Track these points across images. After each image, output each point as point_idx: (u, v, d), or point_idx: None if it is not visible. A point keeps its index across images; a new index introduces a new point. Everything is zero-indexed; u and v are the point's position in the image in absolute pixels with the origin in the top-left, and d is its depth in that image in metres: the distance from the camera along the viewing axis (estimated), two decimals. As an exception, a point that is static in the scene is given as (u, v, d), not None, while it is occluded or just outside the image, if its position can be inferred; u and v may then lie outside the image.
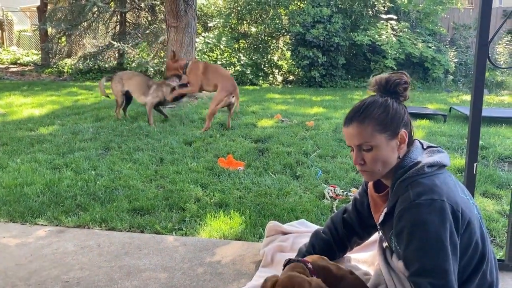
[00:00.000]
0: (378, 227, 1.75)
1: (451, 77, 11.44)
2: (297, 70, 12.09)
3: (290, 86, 11.95)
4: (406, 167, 1.59)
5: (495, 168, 4.41)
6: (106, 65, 13.37)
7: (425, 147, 1.71)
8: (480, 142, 5.09)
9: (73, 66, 13.13)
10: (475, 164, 2.33)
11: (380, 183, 1.78)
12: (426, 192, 1.50)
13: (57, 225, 3.09)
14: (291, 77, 12.63)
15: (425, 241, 1.46)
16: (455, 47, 12.55)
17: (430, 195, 1.49)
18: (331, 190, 3.67)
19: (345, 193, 3.64)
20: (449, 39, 13.08)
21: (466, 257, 1.56)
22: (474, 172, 2.35)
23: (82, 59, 13.13)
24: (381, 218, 1.68)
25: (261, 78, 12.12)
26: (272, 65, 12.94)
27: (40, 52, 14.94)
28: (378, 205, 1.78)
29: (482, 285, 1.62)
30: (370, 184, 1.85)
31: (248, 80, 11.84)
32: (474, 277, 1.60)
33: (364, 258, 2.19)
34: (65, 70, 13.25)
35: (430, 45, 11.57)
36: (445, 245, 1.45)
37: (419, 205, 1.48)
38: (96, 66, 12.99)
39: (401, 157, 1.63)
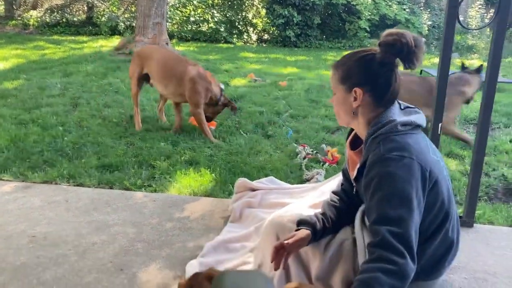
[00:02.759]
0: (353, 183, 1.78)
1: (424, 39, 11.51)
2: (272, 29, 11.92)
3: (264, 45, 11.81)
4: (379, 124, 1.60)
5: (461, 130, 4.53)
6: (75, 19, 12.85)
7: (402, 107, 1.71)
8: (448, 104, 5.20)
9: (39, 19, 12.57)
10: (439, 124, 2.39)
11: (357, 140, 1.80)
12: (397, 148, 1.52)
13: (23, 181, 3.04)
14: (265, 36, 12.45)
15: (390, 193, 1.49)
16: (429, 9, 12.56)
17: (401, 151, 1.51)
18: (302, 150, 3.71)
19: (315, 152, 3.69)
20: (423, 0, 13.05)
21: (431, 215, 1.62)
22: (439, 132, 2.42)
23: (48, 11, 12.59)
24: (355, 173, 1.70)
25: (235, 36, 11.92)
26: (247, 23, 12.70)
27: (3, 3, 14.20)
28: (354, 162, 1.80)
29: (444, 241, 1.69)
30: (347, 142, 1.87)
31: (222, 38, 11.63)
32: (438, 234, 1.67)
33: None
34: (31, 23, 12.67)
35: (404, 6, 11.54)
36: (409, 199, 1.48)
37: (389, 159, 1.50)
38: (64, 20, 12.47)
39: (356, 111, 1.65)
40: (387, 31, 1.61)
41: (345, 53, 1.73)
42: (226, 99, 4.25)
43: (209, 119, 4.22)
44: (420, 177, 1.51)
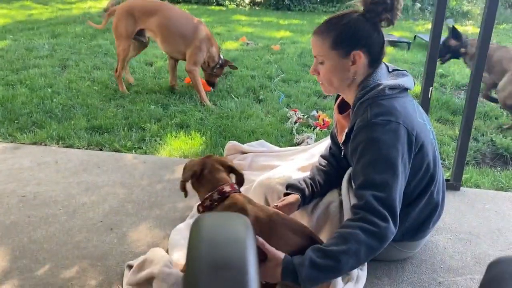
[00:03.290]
0: (342, 147, 1.78)
1: (419, 5, 11.35)
2: (265, -8, 11.66)
3: (257, 8, 11.57)
4: (368, 88, 1.60)
5: (452, 95, 4.53)
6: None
7: (390, 70, 1.71)
8: (440, 70, 5.19)
9: (25, -22, 12.18)
10: (430, 88, 2.39)
11: (345, 104, 1.80)
12: (383, 113, 1.52)
13: (12, 142, 3.02)
14: (258, -1, 12.19)
15: (376, 158, 1.51)
16: (425, -26, 12.33)
17: (387, 116, 1.52)
18: (293, 114, 3.71)
19: (306, 116, 3.68)
20: (420, -35, 12.79)
21: (417, 178, 1.64)
22: (429, 96, 2.42)
23: (35, -30, 12.17)
24: (343, 138, 1.70)
25: (227, -2, 11.65)
26: (240, -15, 12.40)
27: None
28: (342, 126, 1.80)
29: (429, 204, 1.73)
30: (335, 106, 1.87)
31: (214, 0, 11.37)
32: (423, 196, 1.70)
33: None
34: (17, -19, 12.29)
35: (401, -30, 11.31)
36: (394, 163, 1.50)
37: (375, 124, 1.51)
38: (51, -21, 12.10)
39: (356, 77, 1.63)
40: None
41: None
42: (224, 60, 4.20)
43: (212, 85, 4.22)
44: (406, 141, 1.52)
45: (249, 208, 1.52)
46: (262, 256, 1.44)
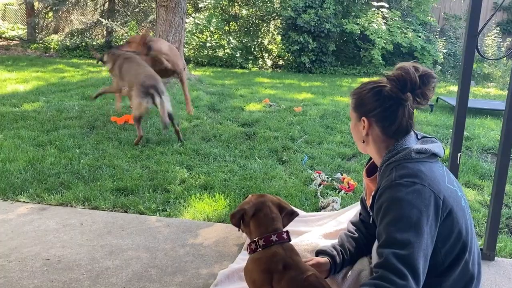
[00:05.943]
0: (370, 212, 1.76)
1: (439, 67, 11.49)
2: (287, 55, 12.02)
3: (279, 70, 11.90)
4: (394, 151, 1.62)
5: (478, 159, 4.46)
6: (94, 43, 13.15)
7: (419, 137, 1.73)
8: (465, 133, 5.14)
9: (59, 43, 12.87)
10: (459, 154, 2.36)
11: (374, 168, 1.80)
12: (408, 175, 1.52)
13: (39, 203, 3.06)
14: (280, 62, 12.56)
15: (398, 216, 1.49)
16: (444, 38, 12.57)
17: (412, 178, 1.51)
18: (317, 176, 3.69)
19: (330, 179, 3.66)
20: (439, 29, 13.08)
21: (447, 245, 1.58)
22: (458, 162, 2.38)
23: (69, 35, 12.88)
24: (370, 201, 1.69)
25: (250, 61, 12.03)
26: (262, 49, 12.85)
27: (26, 26, 14.61)
28: (370, 190, 1.79)
29: (464, 275, 1.64)
30: (364, 170, 1.88)
31: (238, 64, 11.75)
32: (456, 266, 1.62)
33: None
34: (52, 46, 12.98)
35: (420, 34, 11.57)
36: (417, 223, 1.47)
37: (399, 185, 1.51)
38: (83, 43, 12.76)
39: (365, 141, 1.71)
40: (399, 64, 1.65)
41: (360, 80, 1.78)
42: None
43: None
44: (432, 204, 1.50)
45: (283, 263, 1.60)
46: None
